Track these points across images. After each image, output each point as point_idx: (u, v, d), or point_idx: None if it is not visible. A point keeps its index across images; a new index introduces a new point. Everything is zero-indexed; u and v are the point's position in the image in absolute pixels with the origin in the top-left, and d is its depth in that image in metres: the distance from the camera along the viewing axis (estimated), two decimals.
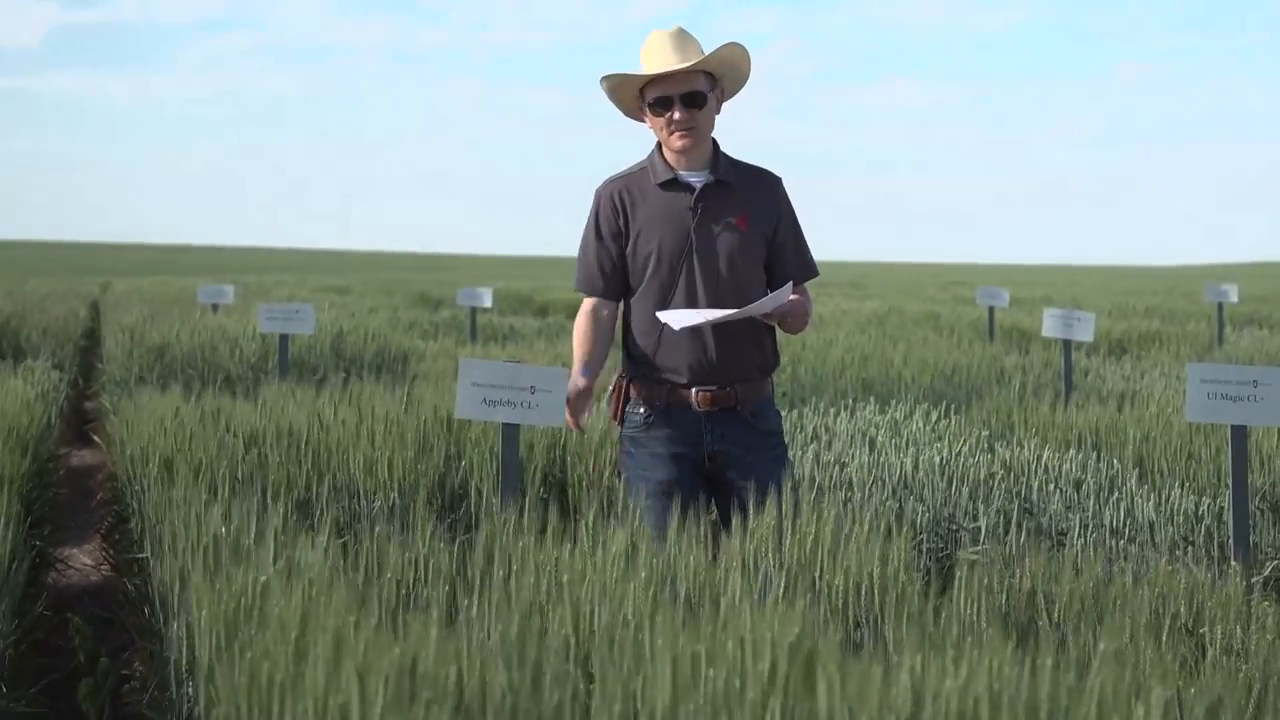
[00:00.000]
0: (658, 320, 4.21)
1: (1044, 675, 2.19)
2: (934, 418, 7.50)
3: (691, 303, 4.22)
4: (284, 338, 8.83)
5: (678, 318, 4.14)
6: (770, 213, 4.31)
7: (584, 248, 4.34)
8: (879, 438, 6.73)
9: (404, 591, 3.50)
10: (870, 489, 5.76)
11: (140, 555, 5.01)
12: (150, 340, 10.41)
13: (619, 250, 4.30)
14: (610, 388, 4.37)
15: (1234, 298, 15.76)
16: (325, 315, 13.43)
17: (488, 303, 14.41)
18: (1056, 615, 3.62)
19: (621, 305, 4.38)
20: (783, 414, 7.40)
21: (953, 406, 8.17)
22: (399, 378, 9.32)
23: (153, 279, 36.49)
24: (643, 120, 4.33)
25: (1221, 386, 4.74)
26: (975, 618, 3.47)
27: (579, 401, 4.31)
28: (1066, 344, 9.22)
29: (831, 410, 7.62)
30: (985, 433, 6.95)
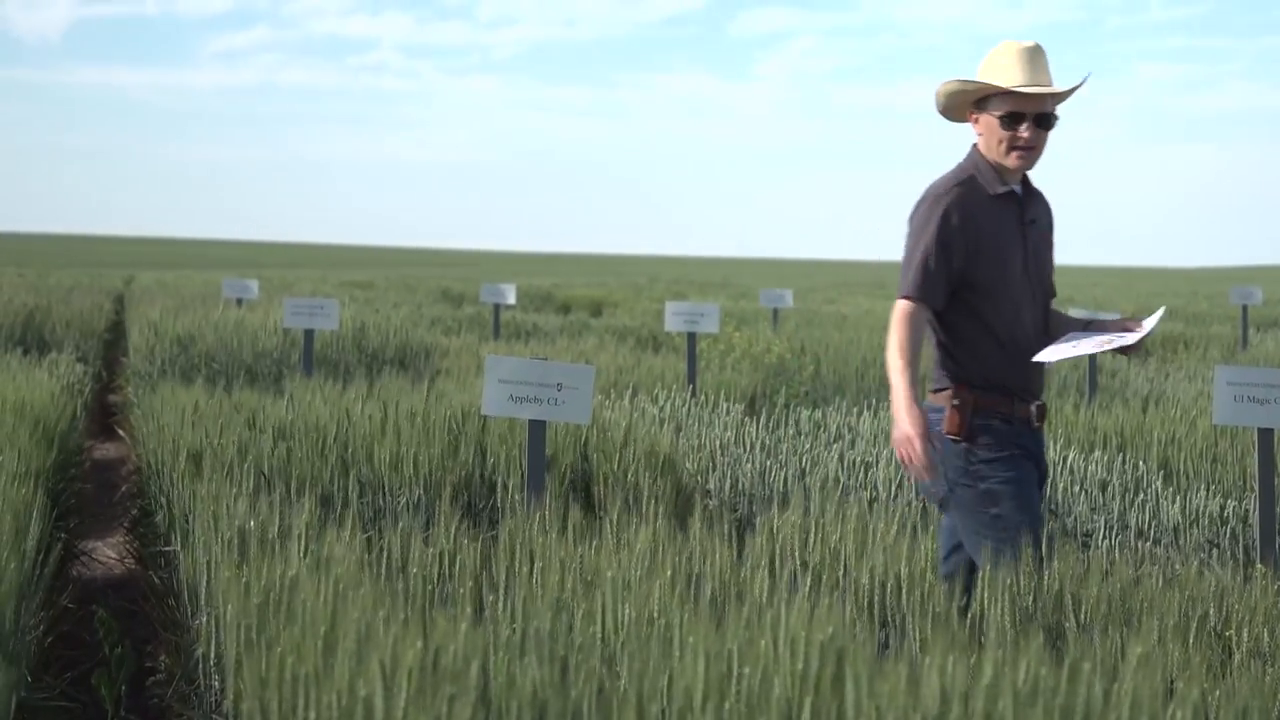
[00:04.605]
0: (1011, 336, 4.15)
1: (1080, 679, 2.18)
2: None
3: (1033, 319, 4.20)
4: (309, 332, 8.85)
5: (1053, 353, 4.12)
6: (1052, 227, 4.36)
7: (925, 255, 4.16)
8: None
9: (430, 587, 3.51)
10: (895, 489, 5.76)
11: (166, 548, 5.03)
12: (174, 334, 10.42)
13: (958, 262, 4.16)
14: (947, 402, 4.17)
15: (1259, 300, 15.70)
16: (348, 311, 13.43)
17: (511, 299, 14.37)
18: (1084, 617, 3.60)
19: (943, 317, 4.24)
20: (805, 414, 7.41)
21: None
22: (421, 373, 9.32)
23: (177, 273, 36.59)
24: (964, 121, 4.26)
25: (1248, 389, 4.73)
26: (1000, 618, 3.47)
27: (920, 428, 4.01)
28: None
29: (855, 410, 7.61)
30: None
